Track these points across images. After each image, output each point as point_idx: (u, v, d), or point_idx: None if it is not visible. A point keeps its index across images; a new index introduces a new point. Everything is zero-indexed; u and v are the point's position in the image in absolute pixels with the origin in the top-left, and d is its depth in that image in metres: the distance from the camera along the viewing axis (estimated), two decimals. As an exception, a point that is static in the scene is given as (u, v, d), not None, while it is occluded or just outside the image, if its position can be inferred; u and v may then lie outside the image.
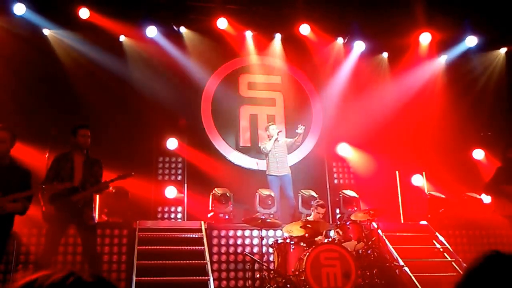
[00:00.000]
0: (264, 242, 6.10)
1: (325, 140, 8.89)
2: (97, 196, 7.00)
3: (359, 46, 9.13)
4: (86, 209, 4.87)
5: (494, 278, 1.25)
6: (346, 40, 9.19)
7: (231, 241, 6.46)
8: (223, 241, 6.45)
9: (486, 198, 7.62)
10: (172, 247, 6.25)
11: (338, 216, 7.71)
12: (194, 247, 6.29)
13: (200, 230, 6.47)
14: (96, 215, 5.19)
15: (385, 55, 9.43)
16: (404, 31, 8.79)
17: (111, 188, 6.90)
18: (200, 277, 5.91)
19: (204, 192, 7.51)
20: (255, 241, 6.47)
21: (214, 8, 8.42)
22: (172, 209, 7.98)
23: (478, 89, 9.00)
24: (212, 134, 8.64)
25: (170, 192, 7.95)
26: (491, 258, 1.30)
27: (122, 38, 8.41)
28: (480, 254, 1.31)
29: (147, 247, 6.17)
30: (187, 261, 6.08)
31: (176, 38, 8.57)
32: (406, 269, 6.06)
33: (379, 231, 5.94)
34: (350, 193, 7.69)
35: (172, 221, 7.72)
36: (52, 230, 4.80)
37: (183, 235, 6.46)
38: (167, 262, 6.02)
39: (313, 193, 7.55)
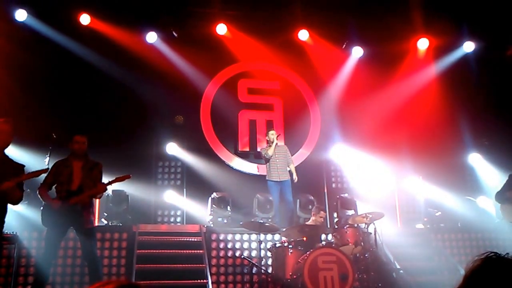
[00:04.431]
0: (262, 246, 6.14)
1: (323, 145, 8.97)
2: (97, 201, 7.07)
3: (357, 52, 9.21)
4: (84, 213, 4.91)
5: (493, 280, 1.29)
6: (344, 45, 9.28)
7: (229, 245, 6.50)
8: (221, 245, 6.50)
9: (483, 203, 7.70)
10: (171, 251, 6.32)
11: (335, 220, 7.76)
12: (193, 251, 6.35)
13: (199, 234, 6.53)
14: (95, 218, 5.23)
15: (383, 60, 9.50)
16: (402, 37, 8.89)
17: (111, 192, 7.01)
18: (199, 281, 5.95)
19: (203, 196, 7.58)
20: (254, 245, 6.52)
21: (213, 14, 8.51)
22: (172, 213, 8.06)
23: (475, 94, 9.07)
24: (211, 138, 8.71)
25: (170, 196, 8.01)
26: (490, 260, 1.33)
27: (122, 43, 8.48)
28: (479, 256, 1.34)
29: (146, 250, 6.22)
30: (186, 265, 6.14)
31: (176, 44, 8.65)
32: (403, 272, 6.12)
33: (376, 235, 5.98)
34: (348, 197, 7.75)
35: (171, 225, 7.79)
36: (51, 234, 4.85)
37: (182, 239, 6.52)
38: (166, 265, 6.08)
39: (311, 197, 7.61)
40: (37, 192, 4.95)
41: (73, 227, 4.99)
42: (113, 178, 4.93)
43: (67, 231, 5.03)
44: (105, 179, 5.08)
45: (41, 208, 4.92)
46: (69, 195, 4.87)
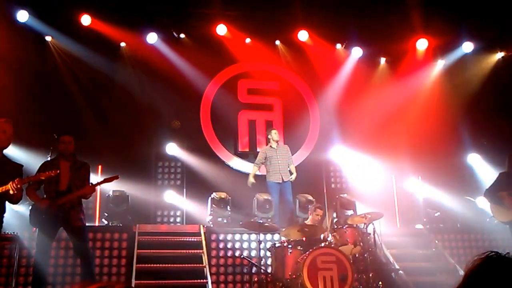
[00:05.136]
0: (261, 246, 6.17)
1: (322, 145, 9.00)
2: (98, 201, 7.09)
3: (357, 52, 9.24)
4: (73, 212, 4.93)
5: (494, 279, 1.29)
6: (344, 46, 9.31)
7: (229, 245, 6.53)
8: (221, 245, 6.52)
9: (483, 203, 7.71)
10: (171, 251, 6.34)
11: (335, 220, 7.77)
12: (192, 251, 6.37)
13: (199, 234, 6.54)
14: (94, 217, 5.23)
15: (382, 60, 9.54)
16: (401, 37, 8.91)
17: (111, 192, 7.04)
18: (199, 281, 5.98)
19: (203, 196, 7.61)
20: (253, 245, 6.54)
21: (214, 14, 8.54)
22: (172, 213, 8.08)
23: (474, 94, 9.09)
24: (211, 139, 8.74)
25: (170, 196, 8.04)
26: (491, 259, 1.33)
27: (122, 44, 8.52)
28: (480, 256, 1.34)
29: (146, 250, 6.24)
30: (186, 265, 6.17)
31: (176, 45, 8.68)
32: (402, 272, 6.15)
33: (376, 235, 6.00)
34: (347, 197, 7.76)
35: (171, 225, 7.81)
36: (41, 234, 4.86)
37: (182, 239, 6.54)
38: (166, 265, 6.10)
39: (310, 198, 7.64)
40: (25, 192, 4.93)
41: (62, 227, 5.00)
42: (102, 180, 4.96)
43: (57, 231, 5.04)
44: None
45: (30, 208, 4.94)
46: (57, 195, 4.88)
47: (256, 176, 8.05)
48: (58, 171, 4.68)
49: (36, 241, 4.96)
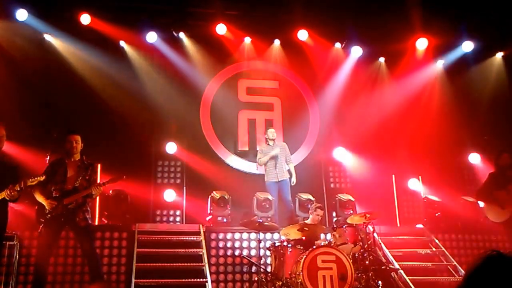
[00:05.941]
0: (261, 245, 6.16)
1: (322, 145, 8.99)
2: (97, 200, 7.09)
3: (356, 51, 9.22)
4: (78, 212, 4.94)
5: (495, 278, 1.29)
6: (343, 45, 9.30)
7: (229, 244, 6.53)
8: (221, 244, 6.52)
9: (481, 203, 7.70)
10: (170, 250, 6.34)
11: (334, 219, 7.77)
12: (192, 250, 6.37)
13: (198, 233, 6.54)
14: (90, 216, 5.21)
15: (382, 60, 9.53)
16: (400, 37, 8.89)
17: (110, 191, 7.03)
18: (198, 280, 5.98)
19: (203, 195, 7.60)
20: (253, 244, 6.54)
21: (213, 14, 8.53)
22: (171, 212, 8.07)
23: (474, 94, 9.09)
24: (211, 138, 8.74)
25: (169, 195, 8.04)
26: (492, 258, 1.33)
27: (122, 43, 8.51)
28: (481, 255, 1.34)
29: (146, 249, 6.24)
30: (186, 264, 6.17)
31: (176, 44, 8.68)
32: (402, 272, 6.14)
33: (375, 234, 5.99)
34: (347, 196, 7.76)
35: (171, 224, 7.81)
36: (46, 232, 4.87)
37: (182, 238, 6.53)
38: (166, 264, 6.10)
39: (310, 197, 7.63)
40: (32, 192, 4.95)
41: (68, 226, 5.01)
42: (107, 179, 4.96)
43: (62, 230, 5.05)
44: (104, 179, 5.10)
45: (36, 207, 4.94)
46: (64, 194, 4.88)
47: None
48: (44, 176, 4.66)
49: (40, 240, 4.95)
